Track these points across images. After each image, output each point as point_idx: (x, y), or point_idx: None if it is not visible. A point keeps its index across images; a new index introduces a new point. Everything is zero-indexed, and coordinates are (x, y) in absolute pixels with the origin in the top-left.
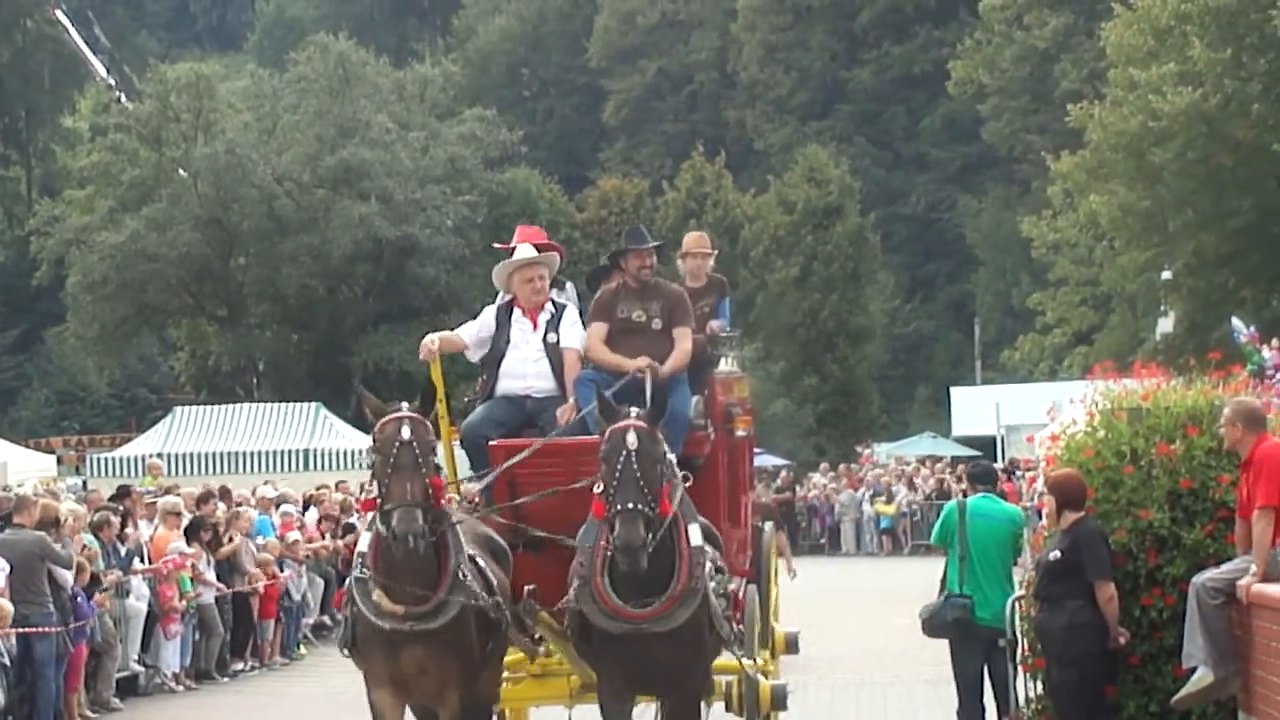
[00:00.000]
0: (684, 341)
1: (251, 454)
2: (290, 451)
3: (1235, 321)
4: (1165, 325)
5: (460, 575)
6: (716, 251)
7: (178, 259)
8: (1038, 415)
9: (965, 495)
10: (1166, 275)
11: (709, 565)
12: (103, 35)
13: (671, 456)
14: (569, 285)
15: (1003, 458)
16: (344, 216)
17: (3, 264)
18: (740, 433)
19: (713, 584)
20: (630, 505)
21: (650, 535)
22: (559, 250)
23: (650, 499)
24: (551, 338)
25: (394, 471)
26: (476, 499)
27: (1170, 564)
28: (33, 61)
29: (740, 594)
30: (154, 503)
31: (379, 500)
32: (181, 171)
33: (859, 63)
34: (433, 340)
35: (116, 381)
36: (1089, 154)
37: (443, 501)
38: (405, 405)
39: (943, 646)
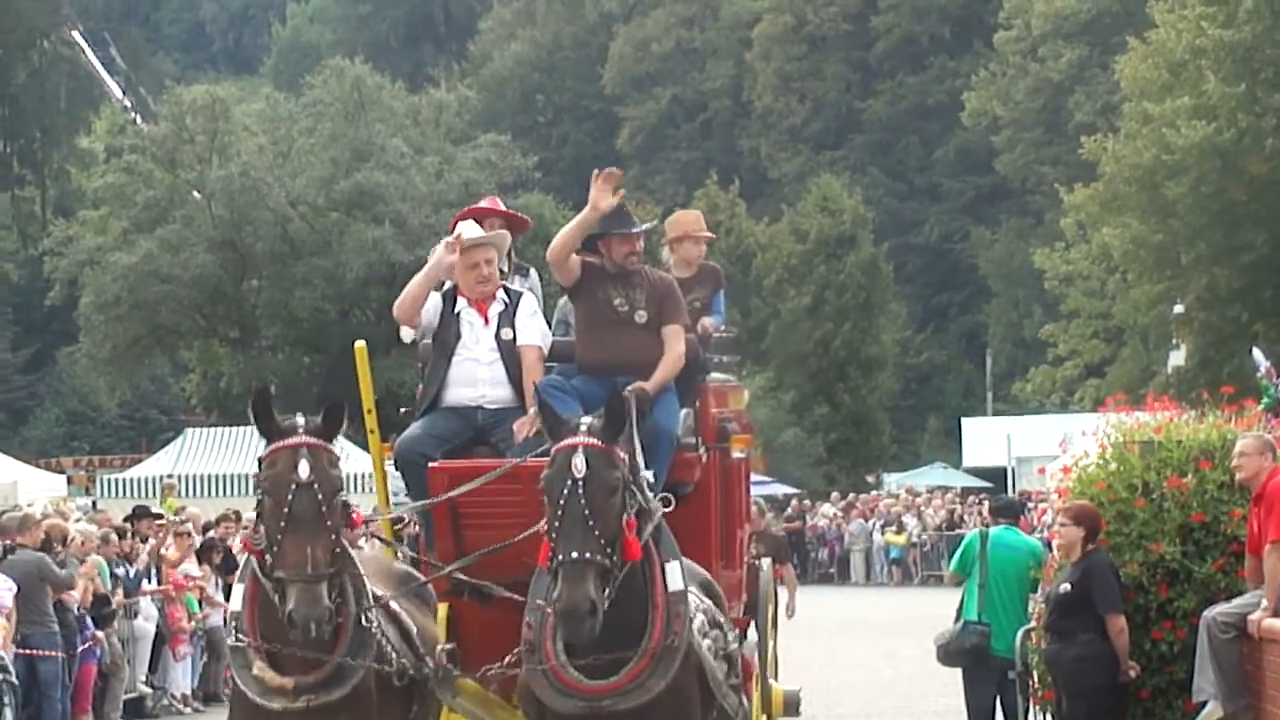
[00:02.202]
0: (676, 343)
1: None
2: None
3: (1256, 353)
4: (1177, 359)
5: (364, 625)
6: (714, 237)
7: (191, 280)
8: (1049, 447)
9: (986, 526)
10: (1179, 309)
11: (699, 618)
12: (119, 56)
13: (648, 477)
14: (532, 272)
15: (1013, 489)
16: (357, 240)
17: (16, 284)
18: (737, 453)
19: (706, 641)
20: (575, 555)
21: (605, 590)
22: (518, 220)
23: (604, 543)
24: (506, 334)
25: (288, 527)
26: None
27: (1181, 597)
28: (49, 82)
29: (749, 656)
30: (166, 525)
31: (268, 561)
32: (196, 193)
33: (873, 93)
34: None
35: (128, 402)
36: (1102, 186)
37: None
38: (303, 423)
39: (952, 677)
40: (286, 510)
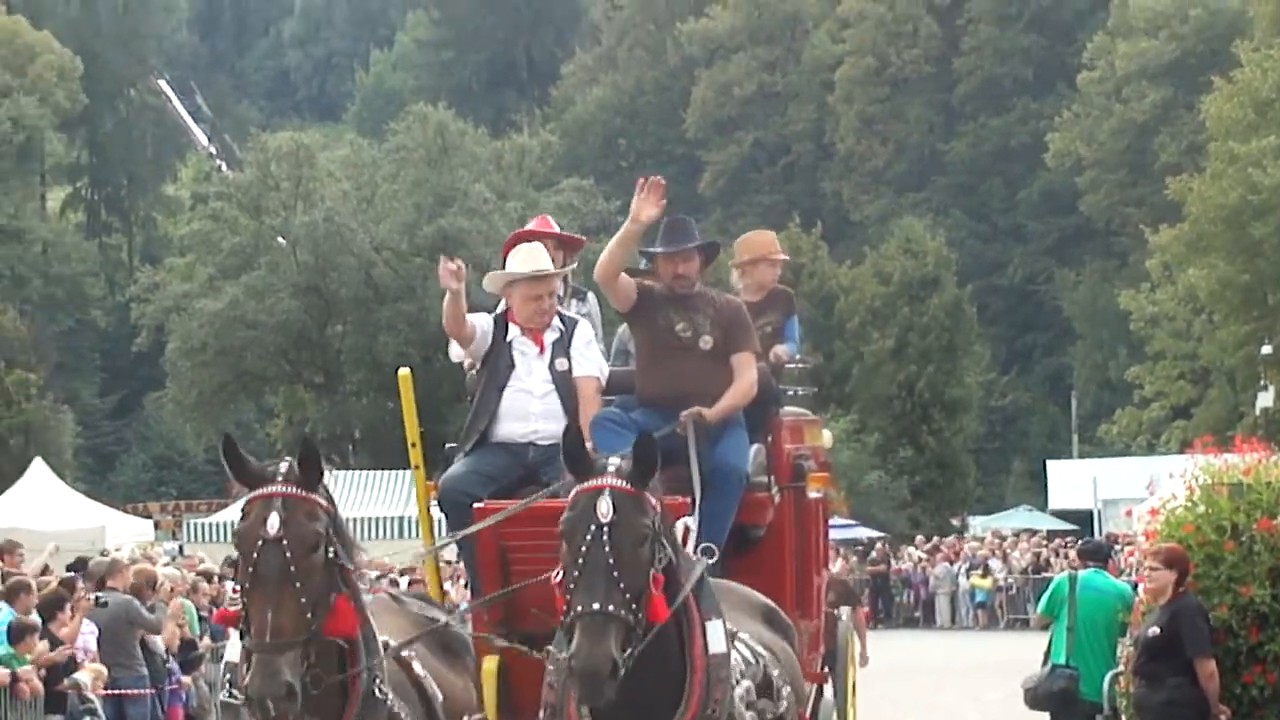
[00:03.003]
0: (747, 372)
1: (345, 521)
2: (385, 519)
3: None
4: (1265, 400)
5: (376, 693)
6: (789, 258)
7: (276, 326)
8: (1135, 489)
9: (1074, 569)
10: (1267, 349)
11: (744, 684)
12: (204, 104)
13: (687, 526)
14: (590, 296)
15: (1100, 532)
16: (441, 285)
17: (104, 330)
18: (813, 493)
19: (750, 714)
20: (595, 607)
21: (628, 651)
22: (572, 241)
23: (629, 598)
24: (561, 364)
25: (251, 589)
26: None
27: (1272, 641)
28: (136, 130)
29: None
30: None
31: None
32: (280, 239)
33: (956, 134)
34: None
35: (213, 447)
36: (1188, 227)
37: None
38: (284, 469)
39: (1039, 715)
40: (251, 570)
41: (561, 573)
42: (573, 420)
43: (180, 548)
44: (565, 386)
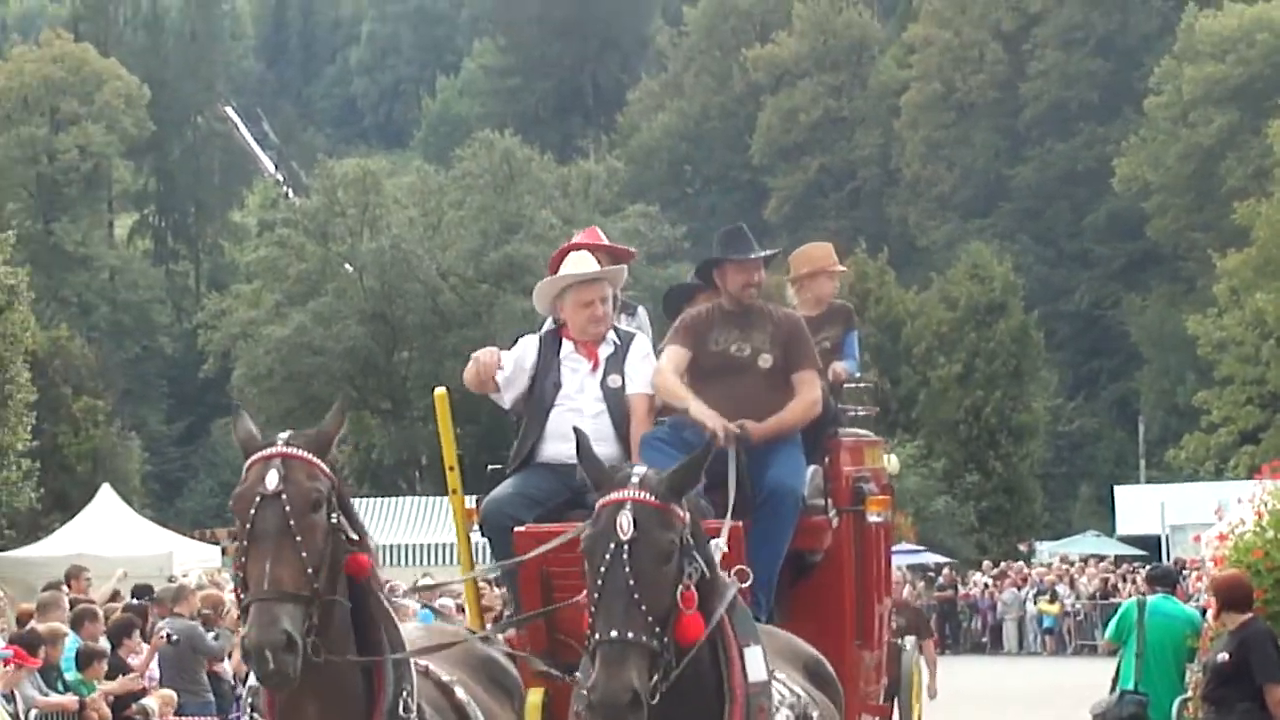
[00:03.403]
0: (808, 390)
1: (411, 546)
2: (451, 545)
3: None
4: None
5: (402, 708)
6: (847, 270)
7: (342, 352)
8: (1204, 515)
9: (1143, 595)
10: None
11: (783, 714)
12: (271, 131)
13: (719, 546)
14: (640, 311)
15: (1168, 557)
16: (507, 311)
17: (171, 356)
18: (874, 517)
19: None
20: (614, 635)
21: (654, 679)
22: (621, 253)
23: (652, 621)
24: (614, 380)
25: (250, 546)
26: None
27: None
28: (203, 157)
29: None
30: None
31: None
32: (347, 266)
33: (1022, 159)
34: (489, 355)
35: None
36: (1255, 251)
37: (375, 590)
38: (287, 435)
39: None
40: (249, 527)
41: (587, 595)
42: (623, 440)
43: None
44: (617, 404)
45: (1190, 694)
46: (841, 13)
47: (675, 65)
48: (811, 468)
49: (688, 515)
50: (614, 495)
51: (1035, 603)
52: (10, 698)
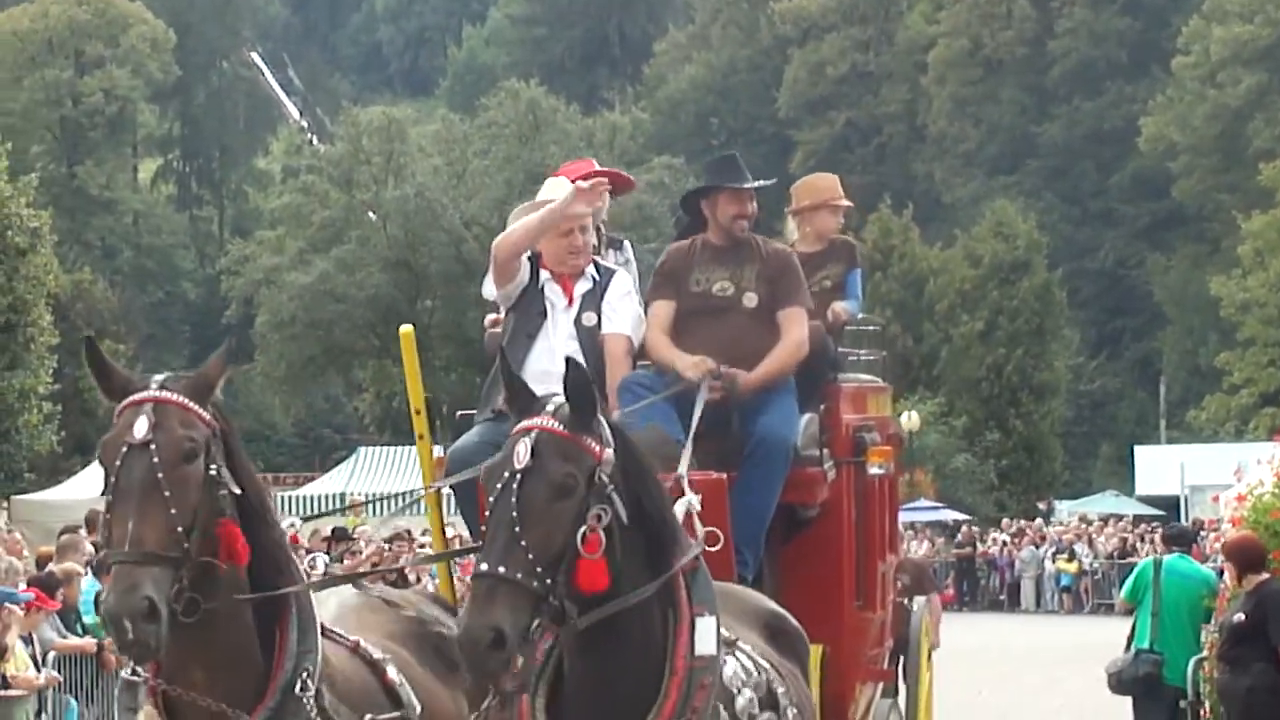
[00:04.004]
0: (795, 328)
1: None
2: None
3: None
4: None
5: (299, 686)
6: (851, 205)
7: (365, 300)
8: (1223, 476)
9: (1159, 555)
10: None
11: (745, 695)
12: (296, 78)
13: (690, 506)
14: (627, 245)
15: (1186, 518)
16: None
17: (193, 302)
18: (875, 469)
19: None
20: (485, 568)
21: (531, 623)
22: (621, 179)
23: (533, 560)
24: (589, 318)
25: (114, 500)
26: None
27: None
28: (228, 103)
29: None
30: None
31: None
32: (371, 214)
33: (1049, 117)
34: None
35: (301, 421)
36: None
37: (276, 552)
38: (162, 378)
39: (1120, 705)
40: (114, 480)
41: None
42: (599, 385)
43: None
44: (591, 345)
45: (1206, 653)
46: None
47: (702, 17)
48: (806, 416)
49: (608, 452)
50: (523, 423)
51: (1053, 561)
52: (29, 640)
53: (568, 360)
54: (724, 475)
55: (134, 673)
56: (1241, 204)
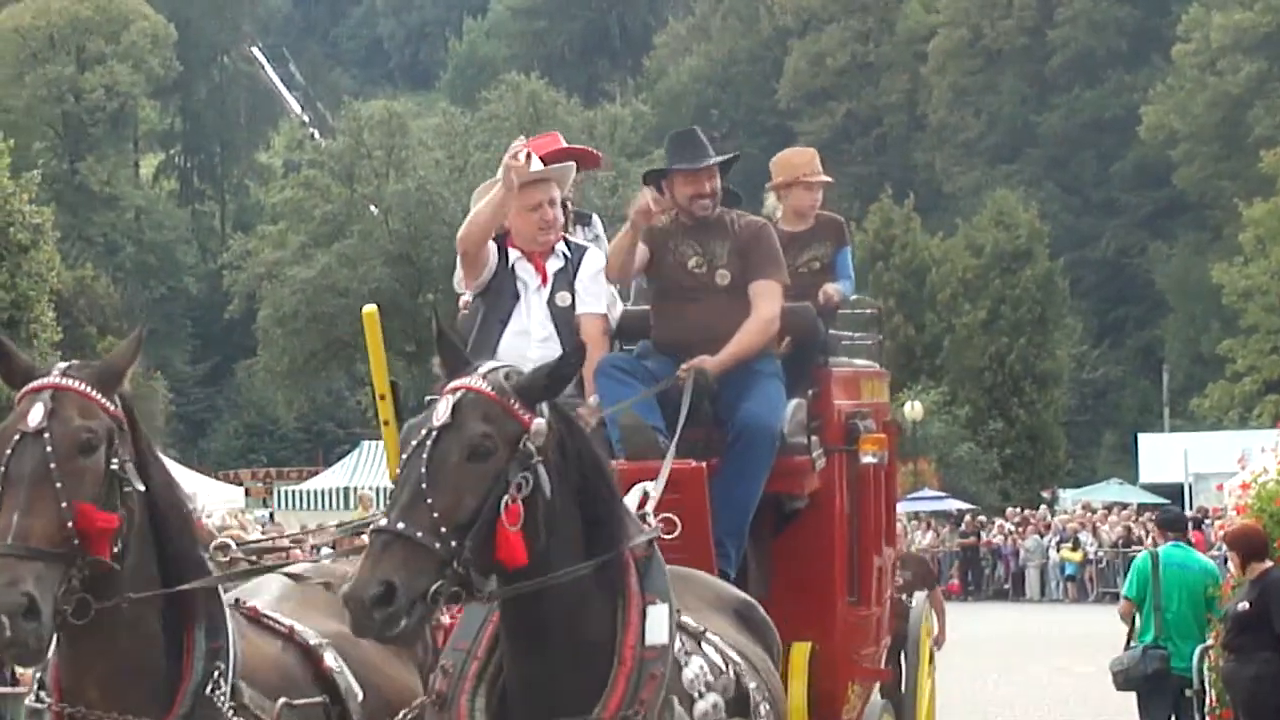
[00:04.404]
0: (765, 304)
1: None
2: None
3: None
4: None
5: (210, 687)
6: (830, 181)
7: (367, 294)
8: (1227, 463)
9: (1155, 544)
10: None
11: (709, 698)
12: (297, 72)
13: (645, 491)
14: (596, 220)
15: (1191, 506)
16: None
17: (196, 297)
18: (868, 458)
19: None
20: (385, 523)
21: (438, 588)
22: (587, 155)
23: (439, 520)
24: (563, 298)
25: (4, 490)
26: None
27: None
28: (229, 98)
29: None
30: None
31: None
32: (373, 208)
33: (1049, 106)
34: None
35: (304, 415)
36: None
37: (189, 549)
38: (65, 366)
39: (1126, 694)
40: (4, 469)
41: None
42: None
43: (271, 515)
44: (566, 326)
45: (1212, 643)
46: None
47: (702, 8)
48: (794, 401)
49: (538, 421)
50: (451, 383)
51: (1058, 550)
52: None
53: (562, 356)
54: (702, 464)
55: (39, 697)
56: (1243, 191)
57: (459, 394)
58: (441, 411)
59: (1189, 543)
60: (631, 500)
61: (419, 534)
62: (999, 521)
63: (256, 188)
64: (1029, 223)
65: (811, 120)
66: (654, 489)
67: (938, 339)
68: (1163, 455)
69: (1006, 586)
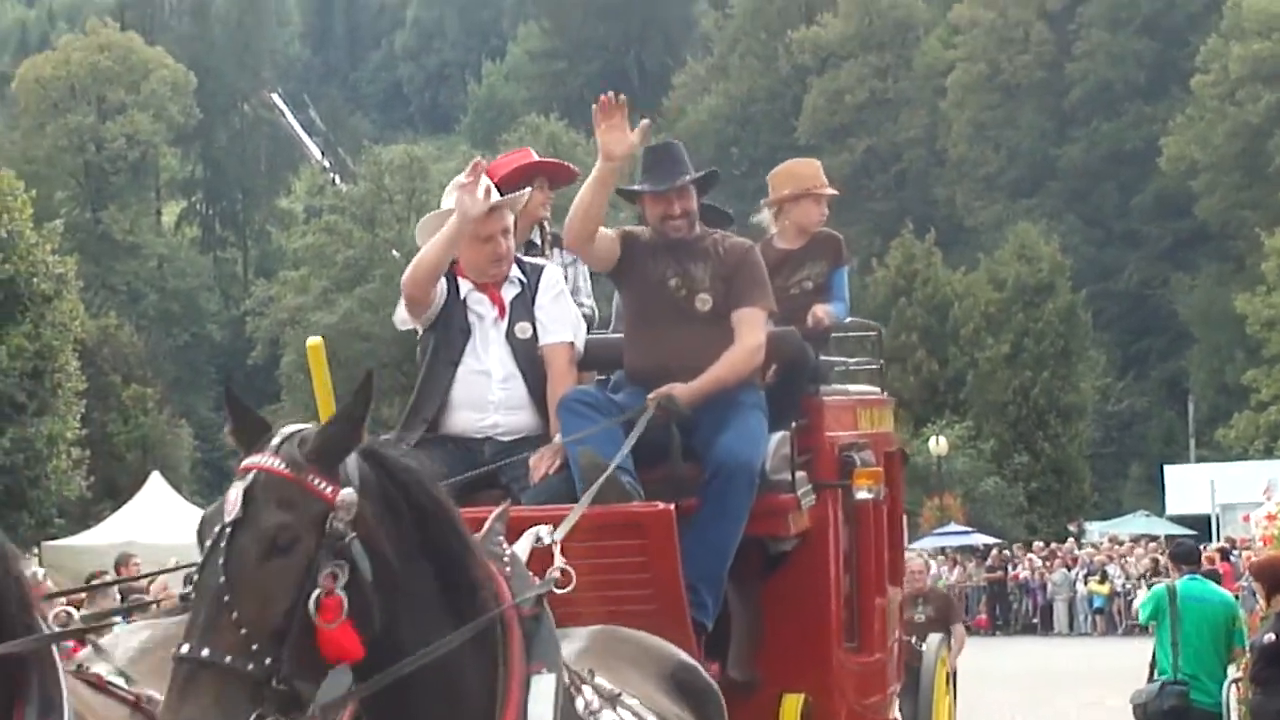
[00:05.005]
0: (749, 333)
1: None
2: None
3: None
4: None
5: None
6: (836, 194)
7: (391, 338)
8: (1254, 494)
9: (1170, 578)
10: None
11: None
12: (318, 118)
13: (538, 536)
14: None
15: (1218, 537)
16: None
17: (219, 344)
18: (862, 494)
19: None
20: (187, 650)
21: (250, 714)
22: (560, 169)
23: (248, 635)
24: (523, 329)
25: None
26: None
27: None
28: (249, 144)
29: None
30: None
31: None
32: (395, 252)
33: (1069, 139)
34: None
35: None
36: None
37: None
38: None
39: None
40: None
41: None
42: (540, 406)
43: None
44: (530, 361)
45: (1240, 675)
46: None
47: (720, 48)
48: (777, 435)
49: (346, 492)
50: (246, 461)
51: (1085, 583)
52: None
53: (368, 374)
54: (670, 506)
55: None
56: (1265, 221)
57: (250, 477)
58: (233, 502)
59: (1214, 575)
60: (523, 548)
61: (227, 658)
62: (1026, 555)
63: (278, 234)
64: (1051, 256)
65: (831, 157)
66: (548, 534)
67: (961, 374)
68: (1189, 486)
69: (1034, 620)
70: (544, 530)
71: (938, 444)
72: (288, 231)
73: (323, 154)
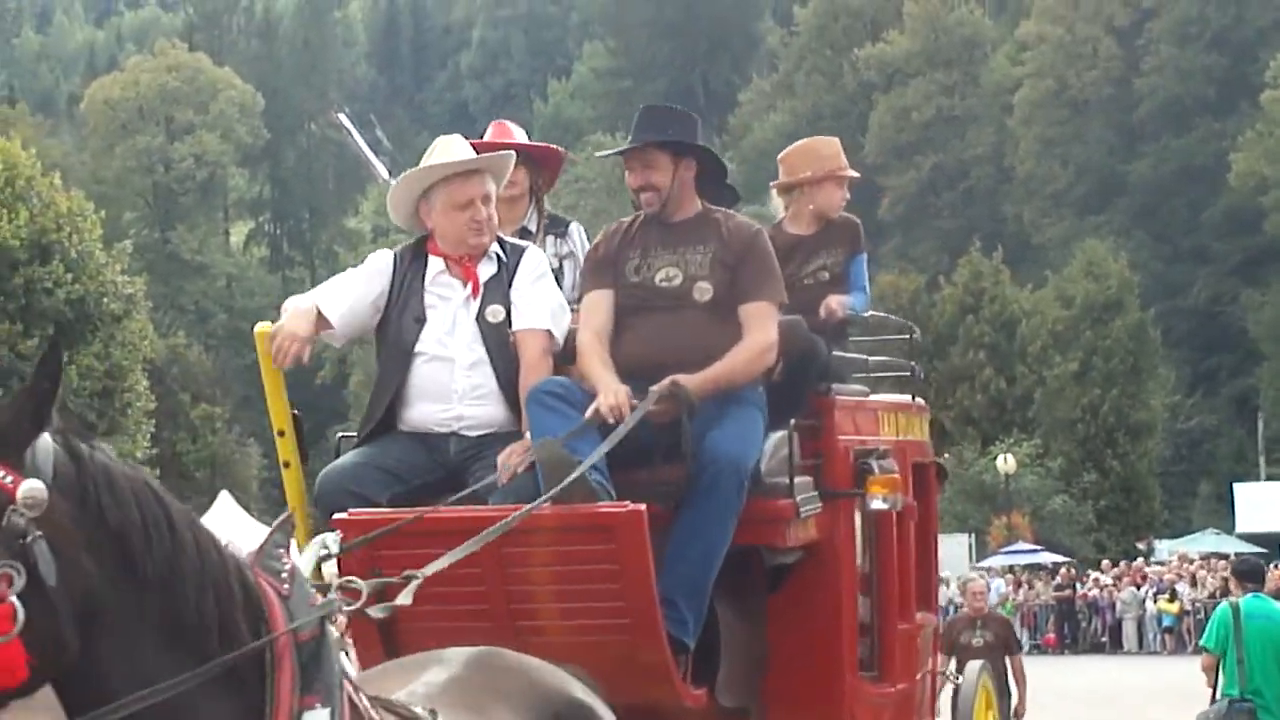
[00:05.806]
0: (760, 329)
1: None
2: None
3: None
4: None
5: None
6: (857, 175)
7: None
8: None
9: (1233, 597)
10: None
11: None
12: (384, 137)
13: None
14: (575, 230)
15: None
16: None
17: None
18: (877, 503)
19: None
20: None
21: None
22: (547, 153)
23: None
24: (494, 313)
25: None
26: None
27: None
28: (316, 164)
29: None
30: None
31: None
32: None
33: (1137, 155)
34: (290, 329)
35: None
36: None
37: None
38: None
39: None
40: None
41: None
42: (510, 397)
43: None
44: (500, 347)
45: None
46: (953, 10)
47: (786, 65)
48: (776, 434)
49: (30, 485)
50: None
51: (1155, 602)
52: None
53: (53, 342)
54: (640, 506)
55: None
56: None
57: None
58: None
59: (1276, 593)
60: (308, 559)
61: None
62: (1094, 574)
63: (345, 253)
64: (1119, 273)
65: (899, 175)
66: (335, 542)
67: (1029, 391)
68: (1260, 504)
69: (1103, 639)
70: (331, 538)
71: (1005, 462)
72: (355, 251)
73: (390, 174)
